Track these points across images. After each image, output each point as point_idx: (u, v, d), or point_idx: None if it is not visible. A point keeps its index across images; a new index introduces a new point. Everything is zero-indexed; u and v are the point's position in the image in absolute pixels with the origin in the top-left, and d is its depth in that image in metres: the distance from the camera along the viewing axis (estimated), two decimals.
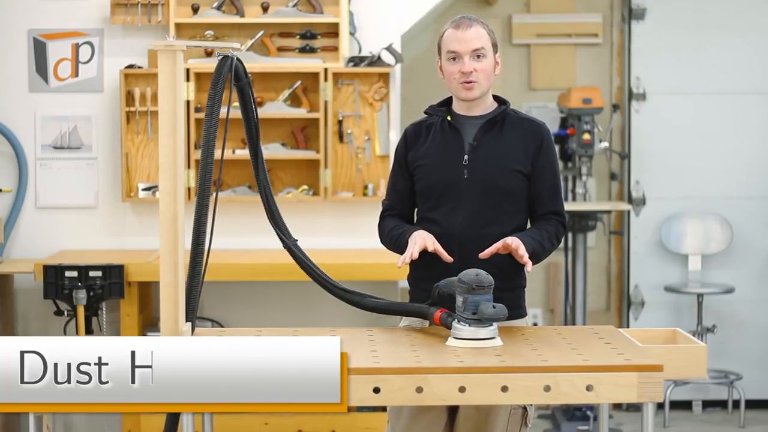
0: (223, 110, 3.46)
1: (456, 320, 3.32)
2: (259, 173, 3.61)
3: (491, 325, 3.28)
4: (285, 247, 3.65)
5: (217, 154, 3.42)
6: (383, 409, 4.89)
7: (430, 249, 3.55)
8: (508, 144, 3.66)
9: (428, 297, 3.50)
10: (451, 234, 3.61)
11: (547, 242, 3.66)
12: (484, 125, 3.66)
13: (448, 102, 3.75)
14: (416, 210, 3.80)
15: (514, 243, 3.50)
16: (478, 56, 3.59)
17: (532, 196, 3.70)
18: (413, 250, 3.54)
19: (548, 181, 3.70)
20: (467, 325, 3.28)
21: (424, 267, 3.64)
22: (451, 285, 3.38)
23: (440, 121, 3.72)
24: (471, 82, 3.60)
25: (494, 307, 3.27)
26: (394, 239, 3.70)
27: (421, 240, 3.56)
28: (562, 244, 6.59)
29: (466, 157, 3.64)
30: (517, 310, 3.68)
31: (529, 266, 3.50)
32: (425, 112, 3.75)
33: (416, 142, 3.72)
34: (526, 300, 3.77)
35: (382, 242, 3.81)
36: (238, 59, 3.50)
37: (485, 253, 3.51)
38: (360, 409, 5.46)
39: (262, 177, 3.61)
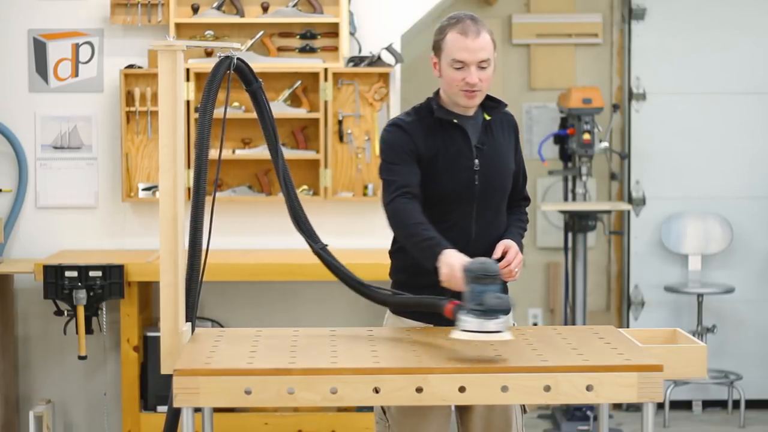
0: (222, 110, 3.46)
1: (464, 312, 3.12)
2: (281, 176, 3.49)
3: (499, 317, 3.09)
4: (314, 252, 3.51)
5: (217, 154, 3.42)
6: None
7: None
8: (503, 144, 3.64)
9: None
10: (467, 242, 3.51)
11: (523, 232, 3.68)
12: (484, 126, 3.61)
13: (434, 100, 3.59)
14: None
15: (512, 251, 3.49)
16: (484, 66, 3.51)
17: (513, 186, 3.70)
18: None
19: (522, 169, 3.75)
20: (473, 317, 3.09)
21: (419, 274, 3.52)
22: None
23: (433, 119, 3.55)
24: (475, 91, 3.52)
25: (499, 298, 3.09)
26: (418, 244, 3.41)
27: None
28: (562, 244, 6.63)
29: (476, 161, 3.56)
30: None
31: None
32: (436, 116, 3.55)
33: (415, 136, 3.53)
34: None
35: (394, 230, 3.53)
36: (245, 62, 3.47)
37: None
38: (360, 409, 5.45)
39: (287, 179, 3.51)
